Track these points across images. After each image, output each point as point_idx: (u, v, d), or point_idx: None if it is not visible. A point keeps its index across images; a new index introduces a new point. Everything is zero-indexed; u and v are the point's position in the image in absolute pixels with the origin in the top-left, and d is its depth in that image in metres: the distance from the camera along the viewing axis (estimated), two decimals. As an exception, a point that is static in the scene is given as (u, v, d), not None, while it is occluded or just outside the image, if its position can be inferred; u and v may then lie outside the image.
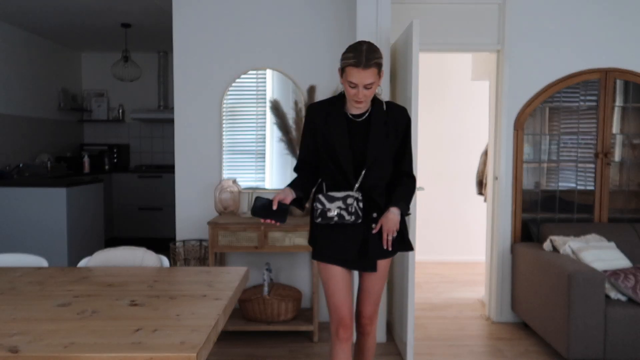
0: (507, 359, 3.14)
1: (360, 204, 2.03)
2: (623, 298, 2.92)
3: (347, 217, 2.02)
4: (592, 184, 3.71)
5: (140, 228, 6.25)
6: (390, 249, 2.07)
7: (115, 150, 6.69)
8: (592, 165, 3.71)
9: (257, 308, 3.29)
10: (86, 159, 6.09)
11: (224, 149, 3.66)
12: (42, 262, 2.25)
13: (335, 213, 2.02)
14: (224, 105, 3.65)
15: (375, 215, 2.08)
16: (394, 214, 2.05)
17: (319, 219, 2.05)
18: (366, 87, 1.96)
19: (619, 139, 3.79)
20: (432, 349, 3.26)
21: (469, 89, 5.54)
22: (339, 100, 2.11)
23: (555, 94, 3.69)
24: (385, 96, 2.77)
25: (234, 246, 3.24)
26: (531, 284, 3.36)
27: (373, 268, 2.15)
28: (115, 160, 6.67)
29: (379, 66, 1.98)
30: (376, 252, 2.11)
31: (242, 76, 3.65)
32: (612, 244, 3.31)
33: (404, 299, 3.07)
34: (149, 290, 1.79)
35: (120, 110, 6.75)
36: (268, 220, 2.00)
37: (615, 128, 3.75)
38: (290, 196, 2.03)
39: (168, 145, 6.76)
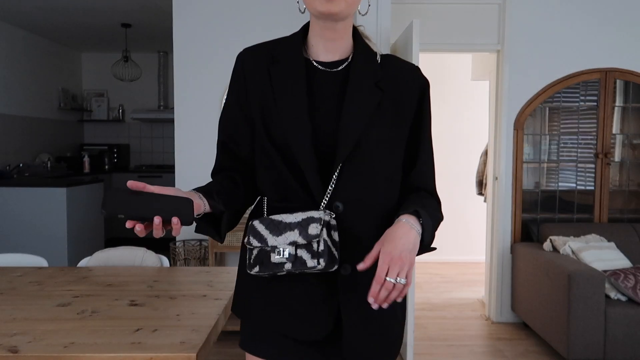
0: (507, 359, 3.14)
1: (335, 234, 1.03)
2: (623, 298, 2.92)
3: (311, 263, 1.00)
4: (592, 184, 3.71)
5: (140, 228, 6.24)
6: (377, 305, 0.98)
7: (115, 150, 6.69)
8: (592, 165, 3.71)
9: (257, 308, 3.29)
10: (86, 159, 6.09)
11: (224, 149, 3.66)
12: (42, 262, 2.25)
13: (287, 255, 1.02)
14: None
15: (346, 269, 1.06)
16: (406, 230, 1.00)
17: (256, 268, 1.05)
18: None
19: (619, 139, 3.79)
20: (432, 349, 3.26)
21: (469, 89, 5.54)
22: (296, 38, 1.15)
23: (555, 94, 3.69)
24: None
25: (234, 246, 3.24)
26: (531, 284, 3.36)
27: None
28: (115, 160, 6.67)
29: None
30: (358, 336, 1.08)
31: (242, 76, 3.65)
32: (612, 244, 3.31)
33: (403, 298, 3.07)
34: (149, 290, 1.79)
35: (120, 110, 6.75)
36: (135, 225, 0.92)
37: (615, 128, 3.75)
38: (196, 199, 0.98)
39: (168, 145, 6.76)
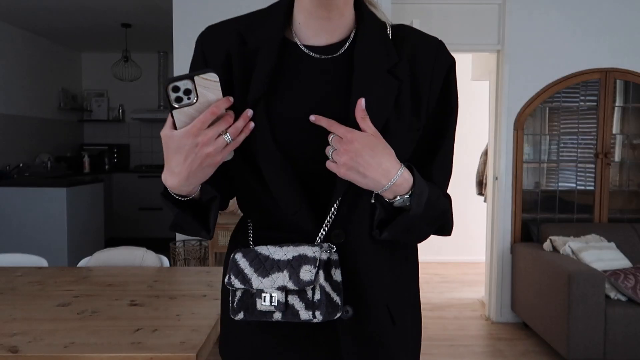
0: (507, 359, 3.14)
1: (336, 273, 0.80)
2: (623, 298, 2.92)
3: (305, 315, 0.78)
4: (592, 184, 3.71)
5: (140, 228, 6.25)
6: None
7: (115, 150, 6.69)
8: (592, 166, 3.71)
9: (257, 308, 3.28)
10: (86, 159, 6.09)
11: (224, 149, 3.66)
12: (42, 262, 2.25)
13: (275, 302, 0.79)
14: (224, 105, 3.65)
15: (348, 311, 0.83)
16: (393, 158, 0.78)
17: (240, 315, 0.82)
18: None
19: (619, 139, 3.79)
20: (432, 349, 3.26)
21: (469, 89, 5.54)
22: (276, 12, 0.87)
23: (555, 94, 3.69)
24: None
25: (234, 246, 3.24)
26: (531, 284, 3.36)
27: None
28: (115, 160, 6.67)
29: None
30: None
31: (242, 76, 3.65)
32: (612, 244, 3.31)
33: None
34: (149, 290, 1.79)
35: (120, 110, 6.75)
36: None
37: (615, 128, 3.75)
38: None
39: (168, 145, 6.75)
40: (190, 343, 1.30)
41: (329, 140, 0.77)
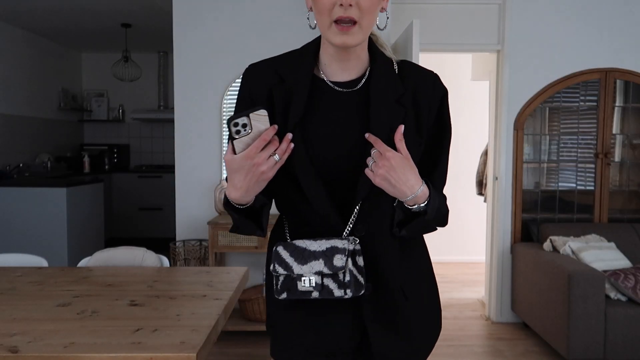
0: (507, 359, 3.14)
1: (359, 259, 1.04)
2: (623, 298, 2.92)
3: (338, 293, 1.03)
4: (592, 184, 3.71)
5: (140, 228, 6.25)
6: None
7: (115, 150, 6.69)
8: (592, 166, 3.71)
9: (257, 308, 3.29)
10: (86, 159, 6.09)
11: (224, 149, 3.66)
12: (42, 262, 2.25)
13: (313, 284, 1.03)
14: (224, 105, 3.65)
15: (368, 287, 1.06)
16: (418, 178, 1.02)
17: (284, 294, 1.05)
18: None
19: (619, 139, 3.79)
20: (432, 349, 3.26)
21: (469, 89, 5.54)
22: (306, 54, 1.09)
23: (555, 94, 3.69)
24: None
25: (234, 246, 3.24)
26: (531, 284, 3.36)
27: None
28: (115, 160, 6.67)
29: None
30: (386, 346, 1.12)
31: (242, 76, 3.65)
32: (612, 244, 3.31)
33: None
34: (149, 290, 1.79)
35: (120, 110, 6.75)
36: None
37: (615, 128, 3.75)
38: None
39: (168, 145, 6.76)
40: (190, 343, 1.30)
41: (371, 153, 0.99)
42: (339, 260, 1.01)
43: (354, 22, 0.98)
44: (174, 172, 3.74)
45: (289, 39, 3.65)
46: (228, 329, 3.26)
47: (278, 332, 1.16)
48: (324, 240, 1.03)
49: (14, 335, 1.36)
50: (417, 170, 1.01)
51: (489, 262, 3.91)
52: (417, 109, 1.07)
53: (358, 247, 1.04)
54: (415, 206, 1.02)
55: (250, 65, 1.13)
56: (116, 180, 6.28)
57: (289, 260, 1.04)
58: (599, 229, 3.49)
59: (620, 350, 2.85)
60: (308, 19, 1.07)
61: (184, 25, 3.63)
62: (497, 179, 3.77)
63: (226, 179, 1.03)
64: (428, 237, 1.22)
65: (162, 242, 4.78)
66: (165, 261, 2.28)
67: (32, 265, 2.23)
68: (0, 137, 5.24)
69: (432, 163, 1.10)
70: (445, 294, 4.47)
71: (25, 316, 1.52)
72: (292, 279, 1.03)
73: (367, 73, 1.08)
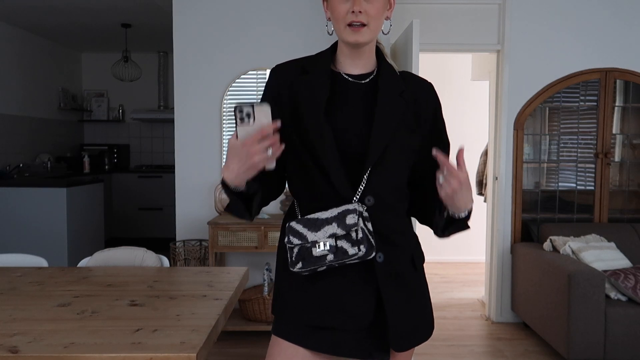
0: (507, 359, 3.14)
1: (369, 224, 1.16)
2: (623, 298, 2.92)
3: (352, 250, 1.11)
4: (592, 184, 3.71)
5: (140, 228, 6.25)
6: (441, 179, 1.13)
7: (115, 150, 6.69)
8: (592, 165, 3.71)
9: (257, 308, 3.29)
10: (86, 159, 6.09)
11: (224, 149, 3.66)
12: (42, 262, 2.25)
13: (327, 247, 1.12)
14: (224, 105, 3.65)
15: (380, 257, 1.19)
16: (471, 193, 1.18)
17: (299, 265, 1.15)
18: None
19: (619, 139, 3.79)
20: (432, 349, 3.26)
21: (469, 89, 5.54)
22: (325, 54, 1.30)
23: (555, 94, 3.69)
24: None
25: (234, 246, 3.24)
26: (531, 284, 3.36)
27: (397, 346, 1.23)
28: (115, 160, 6.67)
29: None
30: (401, 317, 1.22)
31: (242, 76, 3.65)
32: (612, 244, 3.31)
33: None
34: (149, 290, 1.79)
35: (120, 110, 6.75)
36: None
37: (615, 128, 3.75)
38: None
39: (168, 145, 6.76)
40: (190, 343, 1.30)
41: (442, 169, 1.11)
42: (351, 219, 1.12)
43: (363, 25, 1.19)
44: (174, 172, 3.74)
45: (289, 39, 3.65)
46: (228, 329, 3.26)
47: (287, 314, 1.25)
48: (334, 209, 1.16)
49: (14, 335, 1.35)
50: (472, 191, 1.17)
51: (489, 262, 3.91)
52: (416, 108, 1.28)
53: (366, 214, 1.17)
54: (458, 216, 1.19)
55: (276, 65, 1.31)
56: (116, 180, 6.28)
57: (303, 230, 1.15)
58: (599, 229, 3.49)
59: (620, 350, 2.85)
60: (327, 26, 1.29)
61: (184, 25, 3.63)
62: (497, 179, 3.77)
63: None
64: (428, 238, 1.33)
65: (162, 242, 4.78)
66: (165, 261, 2.28)
67: (32, 265, 2.23)
68: (1, 137, 5.24)
69: (430, 163, 1.23)
70: (445, 294, 4.46)
71: (25, 316, 1.52)
72: (307, 248, 1.14)
73: (375, 70, 1.29)
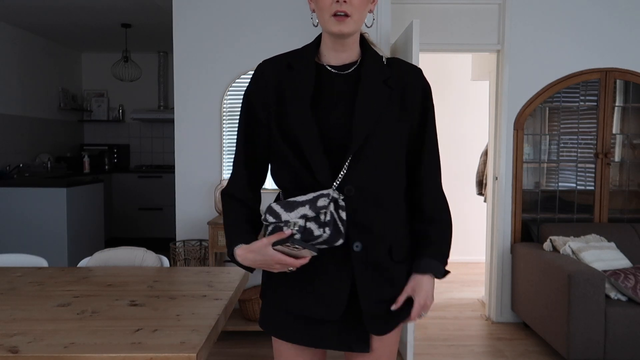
0: (507, 359, 3.14)
1: (342, 212, 1.16)
2: (623, 298, 2.92)
3: (317, 232, 1.13)
4: (592, 184, 3.71)
5: (140, 228, 6.25)
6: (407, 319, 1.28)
7: (115, 151, 6.69)
8: (592, 165, 3.71)
9: (257, 308, 3.29)
10: (86, 159, 6.09)
11: (224, 149, 3.66)
12: (42, 262, 2.25)
13: (297, 227, 1.14)
14: (224, 105, 3.65)
15: (358, 246, 1.22)
16: (431, 281, 1.27)
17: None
18: None
19: (619, 139, 3.79)
20: (432, 349, 3.26)
21: (469, 89, 5.54)
22: (309, 48, 1.31)
23: (555, 94, 3.69)
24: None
25: (234, 246, 3.23)
26: (531, 284, 3.36)
27: (374, 329, 1.27)
28: (115, 161, 6.67)
29: None
30: (374, 304, 1.25)
31: (242, 76, 3.65)
32: (612, 244, 3.31)
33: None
34: (149, 290, 1.79)
35: (120, 110, 6.75)
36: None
37: (615, 128, 3.75)
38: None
39: (168, 145, 6.76)
40: (190, 343, 1.30)
41: (419, 312, 1.27)
42: (322, 202, 1.14)
43: (347, 15, 1.20)
44: (174, 172, 3.74)
45: (289, 39, 3.65)
46: (228, 329, 3.26)
47: (266, 300, 1.34)
48: (312, 193, 1.18)
49: (14, 335, 1.36)
50: (432, 286, 1.28)
51: (489, 262, 3.91)
52: (403, 93, 1.27)
53: (342, 202, 1.18)
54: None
55: (262, 61, 1.33)
56: (116, 180, 6.28)
57: (279, 210, 1.19)
58: (599, 229, 3.49)
59: (620, 350, 2.85)
60: (312, 18, 1.29)
61: (184, 25, 3.63)
62: (497, 179, 3.77)
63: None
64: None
65: (162, 242, 4.78)
66: (165, 261, 2.28)
67: (32, 265, 2.23)
68: (1, 137, 5.24)
69: (422, 148, 1.30)
70: (445, 294, 4.46)
71: (25, 316, 1.52)
72: (279, 227, 1.18)
73: (359, 61, 1.29)
